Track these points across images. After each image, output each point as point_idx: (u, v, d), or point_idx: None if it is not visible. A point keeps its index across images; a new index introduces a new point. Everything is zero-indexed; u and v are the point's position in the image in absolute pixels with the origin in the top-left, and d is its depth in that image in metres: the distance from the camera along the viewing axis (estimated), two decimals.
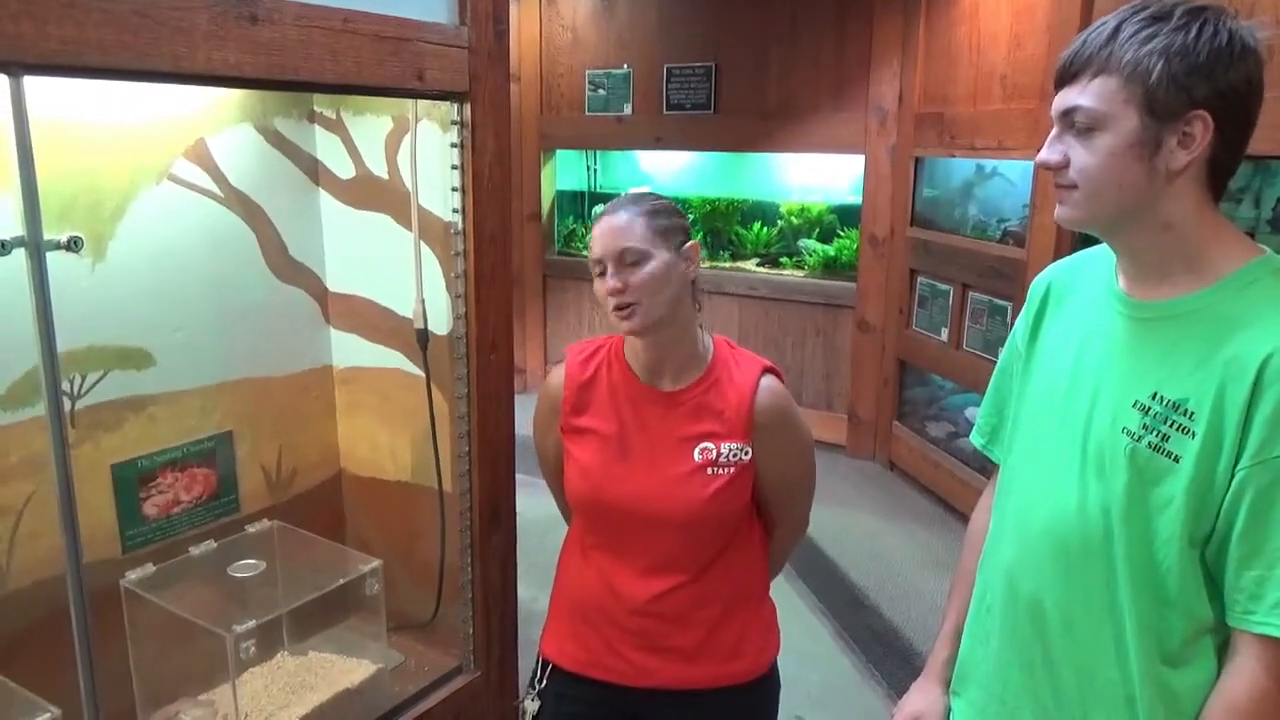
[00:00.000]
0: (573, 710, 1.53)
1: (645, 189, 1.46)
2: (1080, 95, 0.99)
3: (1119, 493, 1.03)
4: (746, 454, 1.42)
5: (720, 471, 1.41)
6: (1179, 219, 1.00)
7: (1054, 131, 1.04)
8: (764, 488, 1.48)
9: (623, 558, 1.47)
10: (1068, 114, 1.01)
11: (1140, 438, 1.01)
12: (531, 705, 1.55)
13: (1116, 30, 0.97)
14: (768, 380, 1.44)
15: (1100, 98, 0.97)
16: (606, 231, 1.37)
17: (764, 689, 1.53)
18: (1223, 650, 1.04)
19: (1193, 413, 0.98)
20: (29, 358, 1.50)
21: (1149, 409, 1.01)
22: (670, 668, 1.46)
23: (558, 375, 1.53)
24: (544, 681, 1.55)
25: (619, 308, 1.37)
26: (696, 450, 1.42)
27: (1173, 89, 0.94)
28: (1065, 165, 1.02)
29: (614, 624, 1.47)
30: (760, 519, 1.55)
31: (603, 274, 1.38)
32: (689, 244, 1.41)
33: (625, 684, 1.48)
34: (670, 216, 1.41)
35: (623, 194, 1.45)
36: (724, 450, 1.42)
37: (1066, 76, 1.01)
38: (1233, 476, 0.97)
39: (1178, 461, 0.99)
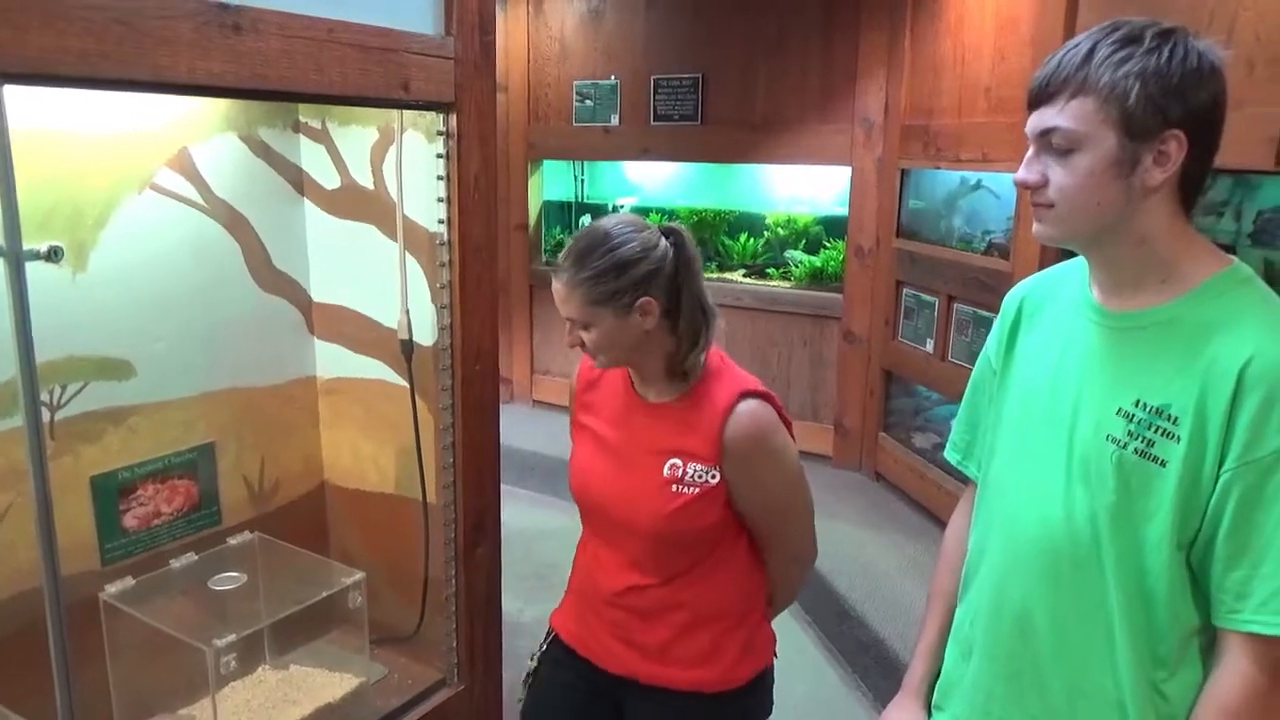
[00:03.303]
0: (564, 679, 1.59)
1: (621, 215, 1.43)
2: (1058, 116, 1.01)
3: (1107, 499, 1.05)
4: (714, 477, 1.39)
5: (684, 490, 1.40)
6: (1153, 233, 1.03)
7: (1030, 151, 1.06)
8: (744, 513, 1.46)
9: (606, 549, 1.52)
10: (1045, 134, 1.03)
11: (1126, 444, 1.03)
12: (530, 664, 1.65)
13: (1091, 53, 0.99)
14: (746, 405, 1.39)
15: (1079, 118, 0.99)
16: (555, 293, 1.40)
17: (740, 704, 1.52)
18: (1208, 652, 1.06)
19: (1176, 417, 1.00)
20: (7, 368, 1.49)
21: (1133, 415, 1.03)
22: (640, 662, 1.50)
23: (575, 372, 1.61)
24: (545, 646, 1.64)
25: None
26: (666, 465, 1.42)
27: (1149, 110, 0.97)
28: (1044, 184, 1.04)
29: (594, 610, 1.54)
30: (753, 542, 1.53)
31: None
32: (640, 301, 1.35)
33: (603, 667, 1.54)
34: (613, 279, 1.34)
35: (571, 241, 1.40)
36: (689, 470, 1.40)
37: (1042, 97, 1.03)
38: (1217, 479, 0.99)
39: (1164, 466, 1.01)
